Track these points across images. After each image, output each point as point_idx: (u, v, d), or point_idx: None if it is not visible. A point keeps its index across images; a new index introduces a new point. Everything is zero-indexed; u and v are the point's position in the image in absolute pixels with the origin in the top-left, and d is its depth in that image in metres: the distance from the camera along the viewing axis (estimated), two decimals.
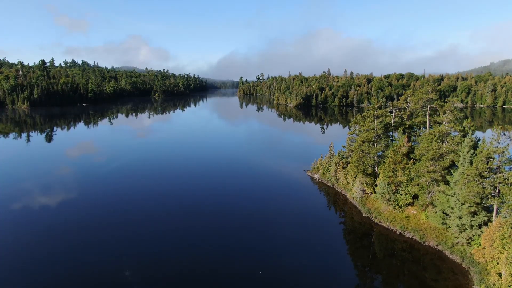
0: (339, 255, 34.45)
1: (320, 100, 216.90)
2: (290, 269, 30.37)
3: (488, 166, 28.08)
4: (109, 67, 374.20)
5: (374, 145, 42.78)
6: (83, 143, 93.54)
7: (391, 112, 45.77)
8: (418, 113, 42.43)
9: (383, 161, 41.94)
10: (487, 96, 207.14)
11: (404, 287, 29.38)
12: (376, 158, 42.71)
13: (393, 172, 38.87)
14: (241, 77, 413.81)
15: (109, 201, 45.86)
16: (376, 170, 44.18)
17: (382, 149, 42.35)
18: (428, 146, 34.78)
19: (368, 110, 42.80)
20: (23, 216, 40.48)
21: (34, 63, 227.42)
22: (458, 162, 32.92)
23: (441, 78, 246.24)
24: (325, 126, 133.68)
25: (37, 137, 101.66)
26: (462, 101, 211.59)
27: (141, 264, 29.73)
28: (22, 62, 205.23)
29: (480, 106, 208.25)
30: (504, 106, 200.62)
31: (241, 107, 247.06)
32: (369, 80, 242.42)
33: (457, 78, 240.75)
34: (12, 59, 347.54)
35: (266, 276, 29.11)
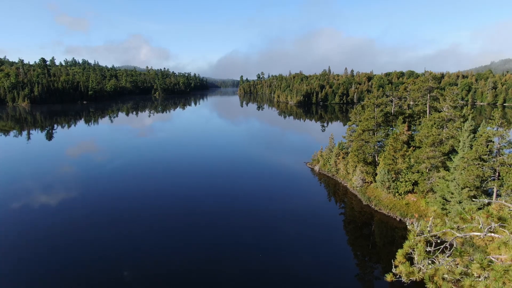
0: (339, 245, 34.24)
1: (320, 97, 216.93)
2: (291, 260, 30.08)
3: (488, 149, 28.12)
4: (109, 66, 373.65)
5: (374, 134, 42.82)
6: (83, 141, 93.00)
7: (391, 101, 45.82)
8: (418, 102, 42.46)
9: (383, 150, 41.98)
10: (487, 94, 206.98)
11: None
12: (376, 146, 42.75)
13: (393, 159, 38.90)
14: (242, 76, 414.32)
15: (109, 200, 44.74)
16: (376, 159, 44.23)
17: (382, 138, 42.37)
18: (428, 132, 34.81)
19: (368, 99, 42.84)
20: (22, 215, 39.61)
21: (35, 62, 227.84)
22: (458, 147, 32.95)
23: (442, 76, 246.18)
24: (325, 124, 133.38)
25: (37, 135, 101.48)
26: (462, 99, 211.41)
27: (141, 264, 29.05)
28: (23, 60, 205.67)
29: (481, 104, 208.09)
30: (504, 104, 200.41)
31: (242, 105, 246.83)
32: (369, 78, 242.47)
33: (458, 76, 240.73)
34: (13, 58, 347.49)
35: (266, 265, 28.94)
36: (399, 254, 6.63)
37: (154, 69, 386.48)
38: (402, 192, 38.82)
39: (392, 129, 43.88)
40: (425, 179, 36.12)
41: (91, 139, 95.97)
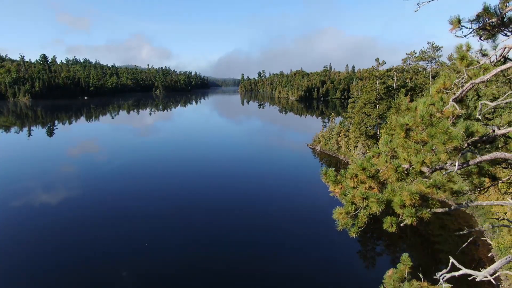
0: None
1: (321, 93, 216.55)
2: (291, 242, 29.05)
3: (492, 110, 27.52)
4: (110, 65, 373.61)
5: (376, 107, 42.26)
6: (84, 138, 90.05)
7: (392, 78, 45.29)
8: (421, 74, 41.92)
9: (385, 122, 41.44)
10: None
11: (407, 246, 28.48)
12: (378, 120, 42.21)
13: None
14: (242, 74, 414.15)
15: (109, 198, 42.27)
16: (378, 133, 43.69)
17: (384, 110, 41.82)
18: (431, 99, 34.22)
19: (369, 72, 42.32)
20: (21, 214, 37.61)
21: (36, 60, 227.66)
22: None
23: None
24: (326, 120, 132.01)
25: (38, 131, 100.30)
26: None
27: (143, 264, 27.62)
28: (24, 56, 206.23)
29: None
30: None
31: (242, 103, 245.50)
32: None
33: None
34: (14, 56, 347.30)
35: (268, 247, 28.20)
36: None
37: (155, 67, 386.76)
38: None
39: (393, 100, 43.34)
40: None
41: (92, 136, 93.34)
